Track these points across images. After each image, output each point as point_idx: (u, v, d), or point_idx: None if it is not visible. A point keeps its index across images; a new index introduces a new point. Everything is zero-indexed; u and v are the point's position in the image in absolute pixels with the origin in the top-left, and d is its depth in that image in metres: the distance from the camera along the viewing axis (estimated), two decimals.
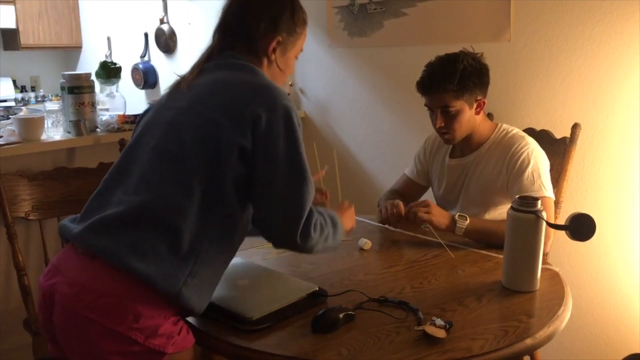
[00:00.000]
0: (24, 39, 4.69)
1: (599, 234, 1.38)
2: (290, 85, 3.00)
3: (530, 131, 1.96)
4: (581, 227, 1.35)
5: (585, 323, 2.07)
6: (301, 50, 1.42)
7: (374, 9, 2.58)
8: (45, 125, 2.29)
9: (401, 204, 1.76)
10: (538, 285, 1.41)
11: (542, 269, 1.41)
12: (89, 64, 4.82)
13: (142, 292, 1.13)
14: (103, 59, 3.44)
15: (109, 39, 4.28)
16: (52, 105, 2.74)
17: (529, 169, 1.70)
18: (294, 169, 1.20)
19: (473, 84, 1.71)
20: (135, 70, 4.08)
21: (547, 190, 1.69)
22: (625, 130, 1.92)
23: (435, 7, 2.36)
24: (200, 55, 1.36)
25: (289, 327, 1.23)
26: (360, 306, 1.31)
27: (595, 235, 1.35)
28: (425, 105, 1.79)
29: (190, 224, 1.16)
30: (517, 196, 1.42)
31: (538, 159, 1.72)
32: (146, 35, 4.06)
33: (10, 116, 3.12)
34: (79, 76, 2.37)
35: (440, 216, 1.67)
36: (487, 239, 1.68)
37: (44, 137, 2.25)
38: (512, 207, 1.40)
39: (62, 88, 2.36)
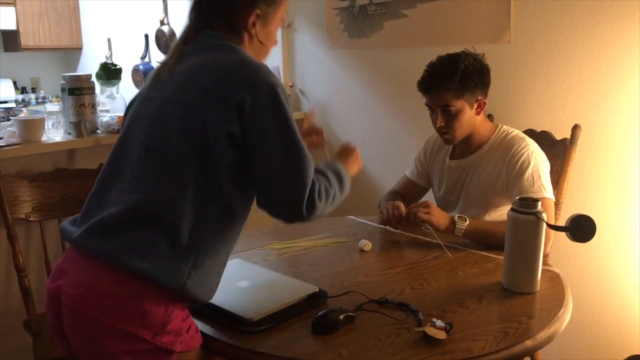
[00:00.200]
0: (25, 40, 4.70)
1: (599, 235, 1.38)
2: (291, 86, 2.99)
3: (530, 132, 1.96)
4: (581, 229, 1.35)
5: (586, 324, 2.07)
6: (282, 21, 1.36)
7: (374, 11, 2.58)
8: (46, 127, 2.28)
9: (402, 205, 1.75)
10: (538, 286, 1.41)
11: (542, 270, 1.41)
12: (89, 65, 4.82)
13: (146, 289, 1.12)
14: (103, 60, 3.45)
15: (109, 40, 4.27)
16: (53, 106, 2.74)
17: (529, 170, 1.70)
18: (287, 146, 1.17)
19: (474, 84, 1.71)
20: (135, 71, 4.07)
21: (547, 192, 1.69)
22: (625, 131, 1.92)
23: (435, 9, 2.36)
24: (178, 36, 1.31)
25: (289, 329, 1.23)
26: (361, 307, 1.31)
27: (596, 237, 1.35)
28: (426, 104, 1.79)
29: (187, 218, 1.15)
30: (517, 197, 1.43)
31: (538, 160, 1.72)
32: (146, 36, 4.06)
33: (11, 117, 3.12)
34: (79, 77, 2.36)
35: (440, 217, 1.67)
36: (486, 240, 1.68)
37: (44, 138, 2.24)
38: (512, 209, 1.40)
39: (63, 89, 2.35)
